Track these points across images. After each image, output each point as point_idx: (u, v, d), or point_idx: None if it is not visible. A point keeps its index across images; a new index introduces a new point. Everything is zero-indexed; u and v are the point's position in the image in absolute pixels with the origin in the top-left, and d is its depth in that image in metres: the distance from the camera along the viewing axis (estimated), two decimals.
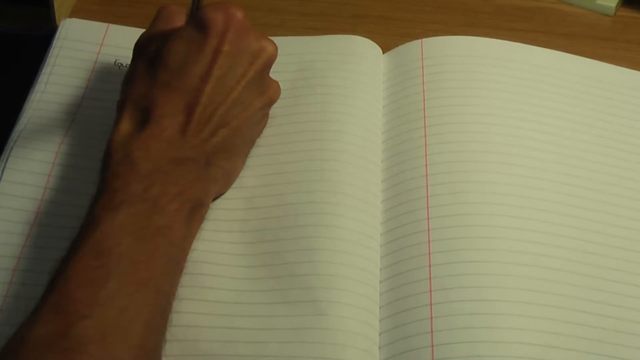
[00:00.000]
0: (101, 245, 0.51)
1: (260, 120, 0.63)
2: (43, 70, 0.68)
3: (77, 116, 0.65)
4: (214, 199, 0.61)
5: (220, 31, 0.59)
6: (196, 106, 0.58)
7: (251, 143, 0.64)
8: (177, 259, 0.54)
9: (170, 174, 0.55)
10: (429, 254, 0.59)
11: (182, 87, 0.58)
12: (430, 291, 0.57)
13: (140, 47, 0.62)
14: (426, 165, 0.63)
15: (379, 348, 0.56)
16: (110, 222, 0.52)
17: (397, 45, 0.72)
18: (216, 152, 0.59)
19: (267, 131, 0.65)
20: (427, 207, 0.61)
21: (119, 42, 0.70)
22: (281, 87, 0.64)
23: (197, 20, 0.59)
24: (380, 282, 0.59)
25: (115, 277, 0.49)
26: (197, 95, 0.58)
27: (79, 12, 0.74)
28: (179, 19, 0.62)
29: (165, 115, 0.57)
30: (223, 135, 0.59)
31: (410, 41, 0.72)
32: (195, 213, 0.56)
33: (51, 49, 0.69)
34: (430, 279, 0.58)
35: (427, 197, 0.62)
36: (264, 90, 0.62)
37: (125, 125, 0.57)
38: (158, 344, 0.51)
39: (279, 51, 0.62)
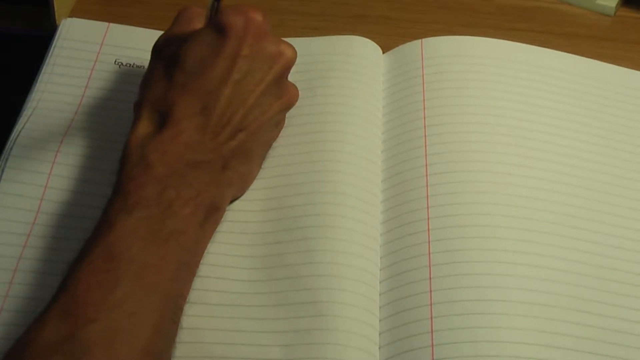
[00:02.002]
0: (112, 249, 0.50)
1: (277, 124, 0.63)
2: (43, 70, 0.68)
3: (77, 115, 0.65)
4: (231, 202, 0.61)
5: (240, 35, 0.58)
6: (214, 109, 0.57)
7: (267, 147, 0.63)
8: (189, 263, 0.54)
9: (185, 177, 0.55)
10: (429, 254, 0.59)
11: (200, 90, 0.58)
12: (430, 291, 0.57)
13: (158, 49, 0.61)
14: (426, 165, 0.63)
15: (379, 348, 0.56)
16: (122, 225, 0.51)
17: (397, 45, 0.72)
18: (233, 156, 0.59)
19: None
20: (427, 207, 0.61)
21: (119, 41, 0.70)
22: None
23: (216, 24, 0.59)
24: (380, 282, 0.59)
25: (124, 281, 0.49)
26: (216, 98, 0.58)
27: (79, 12, 0.74)
28: (199, 22, 0.62)
29: (182, 118, 0.57)
30: (240, 139, 0.59)
31: (410, 41, 0.71)
32: (210, 217, 0.56)
33: (51, 49, 0.69)
34: (430, 279, 0.58)
35: (427, 197, 0.62)
36: (282, 95, 0.61)
37: (143, 127, 0.57)
38: (166, 349, 0.50)
39: None
